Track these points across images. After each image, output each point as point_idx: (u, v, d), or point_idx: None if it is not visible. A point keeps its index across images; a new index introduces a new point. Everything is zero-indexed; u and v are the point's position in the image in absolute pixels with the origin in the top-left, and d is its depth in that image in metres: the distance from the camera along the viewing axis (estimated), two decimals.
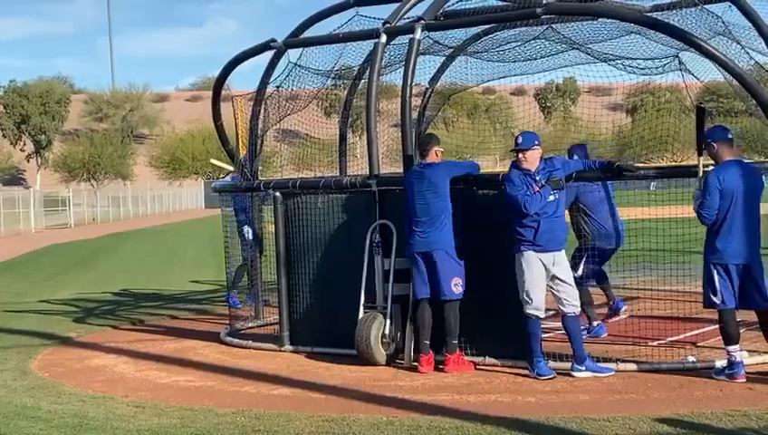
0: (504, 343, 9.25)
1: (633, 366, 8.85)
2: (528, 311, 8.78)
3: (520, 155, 8.89)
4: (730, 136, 8.49)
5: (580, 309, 9.01)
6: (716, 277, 8.29)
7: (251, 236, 12.90)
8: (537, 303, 8.78)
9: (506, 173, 9.04)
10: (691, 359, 8.92)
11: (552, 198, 8.76)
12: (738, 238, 8.25)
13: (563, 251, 8.94)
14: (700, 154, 8.58)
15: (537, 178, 8.79)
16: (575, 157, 10.02)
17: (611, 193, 10.63)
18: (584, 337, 9.78)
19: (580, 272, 10.25)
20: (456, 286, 9.27)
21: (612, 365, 8.82)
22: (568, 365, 8.81)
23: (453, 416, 7.41)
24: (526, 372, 8.80)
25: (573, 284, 8.96)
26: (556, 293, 8.86)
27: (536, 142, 8.92)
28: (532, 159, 8.86)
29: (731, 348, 8.27)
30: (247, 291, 13.26)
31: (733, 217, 8.24)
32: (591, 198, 10.42)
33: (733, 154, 8.52)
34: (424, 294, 9.35)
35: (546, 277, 8.81)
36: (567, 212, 10.07)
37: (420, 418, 7.41)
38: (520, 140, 8.95)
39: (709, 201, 8.27)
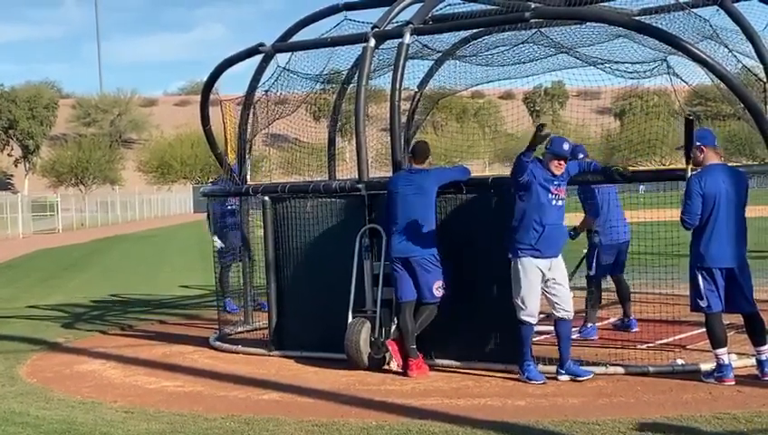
0: (495, 347, 9.25)
1: (622, 369, 8.84)
2: (522, 317, 8.71)
3: (562, 161, 8.73)
4: (714, 139, 8.48)
5: (573, 314, 8.93)
6: (701, 281, 8.27)
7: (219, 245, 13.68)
8: (531, 309, 8.71)
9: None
10: (680, 362, 8.93)
11: (560, 203, 8.75)
12: (722, 242, 8.20)
13: (560, 256, 8.91)
14: (688, 162, 8.53)
15: (555, 183, 8.72)
16: (580, 156, 10.04)
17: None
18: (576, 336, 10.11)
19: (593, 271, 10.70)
20: (438, 290, 9.31)
21: (591, 368, 8.77)
22: None
23: (443, 420, 7.40)
24: (516, 376, 8.79)
25: (568, 287, 8.90)
26: (550, 296, 8.79)
27: None
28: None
29: (719, 351, 8.27)
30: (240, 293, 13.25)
31: (715, 222, 8.18)
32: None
33: (717, 157, 8.47)
34: (407, 296, 9.35)
35: (541, 282, 8.76)
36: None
37: (410, 422, 7.40)
38: (566, 147, 8.72)
39: (690, 206, 8.21)
